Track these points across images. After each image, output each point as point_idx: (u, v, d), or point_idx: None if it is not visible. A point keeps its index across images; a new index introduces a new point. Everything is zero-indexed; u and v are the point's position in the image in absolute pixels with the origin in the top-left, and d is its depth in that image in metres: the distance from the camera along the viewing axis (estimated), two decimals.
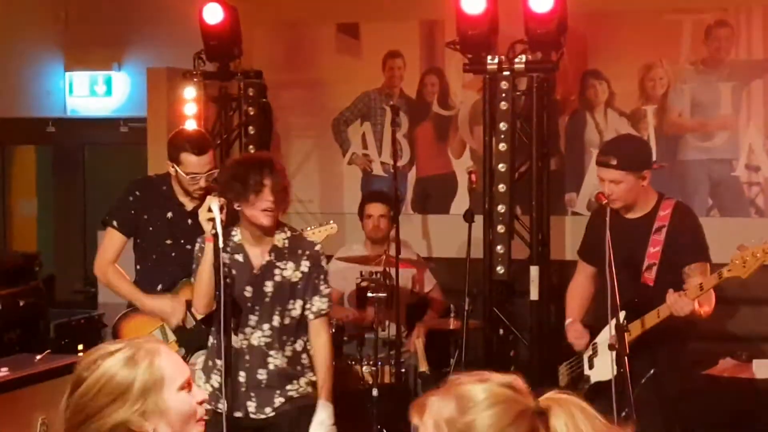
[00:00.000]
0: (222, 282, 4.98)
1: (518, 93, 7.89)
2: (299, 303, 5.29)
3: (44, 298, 8.52)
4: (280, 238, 5.30)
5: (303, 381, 5.36)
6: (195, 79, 8.72)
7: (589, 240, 5.97)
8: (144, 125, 9.25)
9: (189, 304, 5.80)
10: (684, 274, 5.55)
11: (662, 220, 5.60)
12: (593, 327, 5.82)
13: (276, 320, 5.28)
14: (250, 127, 8.78)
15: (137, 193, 5.98)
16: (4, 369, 6.04)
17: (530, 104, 7.87)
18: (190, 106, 8.71)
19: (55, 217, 10.73)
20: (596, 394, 5.43)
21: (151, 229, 5.92)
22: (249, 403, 5.30)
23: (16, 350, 7.47)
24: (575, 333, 5.92)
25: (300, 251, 5.30)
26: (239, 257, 5.29)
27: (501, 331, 7.95)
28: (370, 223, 7.82)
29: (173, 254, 5.91)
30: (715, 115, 8.37)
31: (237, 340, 5.28)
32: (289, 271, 5.28)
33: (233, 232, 5.29)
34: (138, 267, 6.02)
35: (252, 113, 8.77)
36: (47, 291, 8.86)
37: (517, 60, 7.73)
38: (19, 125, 10.43)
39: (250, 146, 8.71)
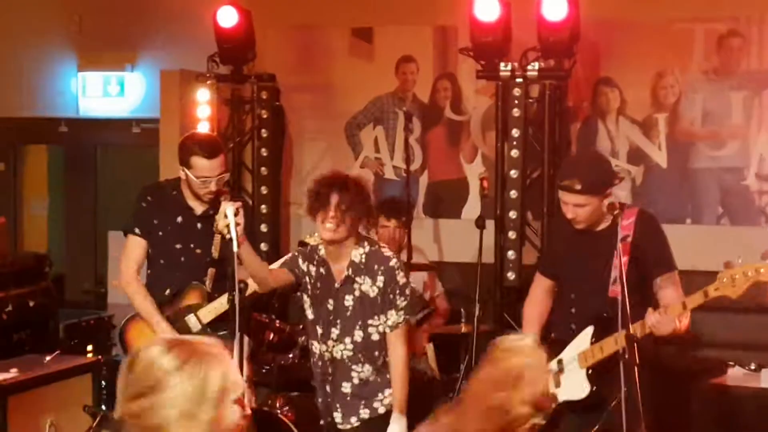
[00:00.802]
0: (237, 287, 4.99)
1: (530, 100, 7.91)
2: (382, 318, 5.34)
3: (54, 299, 8.52)
4: (358, 254, 5.33)
5: (388, 392, 5.39)
6: (208, 82, 8.73)
7: (547, 253, 5.88)
8: (156, 126, 9.27)
9: (194, 308, 5.82)
10: (656, 285, 5.40)
11: (626, 230, 5.35)
12: (555, 342, 5.53)
13: (358, 335, 5.35)
14: (263, 130, 8.81)
15: (149, 198, 5.97)
16: (14, 370, 6.07)
17: (542, 111, 7.89)
18: (203, 108, 8.73)
19: (66, 217, 10.74)
20: (563, 414, 5.17)
21: (160, 233, 5.91)
22: (335, 414, 5.42)
23: (25, 351, 7.49)
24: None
25: (376, 266, 5.33)
26: (323, 270, 5.39)
27: None
28: (387, 234, 7.78)
29: (182, 258, 5.89)
30: (727, 124, 8.37)
31: (319, 350, 5.44)
32: (366, 286, 5.33)
33: (320, 248, 5.41)
34: (148, 271, 6.01)
35: (265, 116, 8.80)
36: (57, 291, 8.87)
37: (529, 67, 7.75)
38: (31, 125, 10.46)
39: (263, 149, 8.74)
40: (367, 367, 5.37)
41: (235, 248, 5.01)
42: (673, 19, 8.42)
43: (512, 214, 7.81)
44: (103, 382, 7.61)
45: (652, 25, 8.46)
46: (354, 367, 5.36)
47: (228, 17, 8.46)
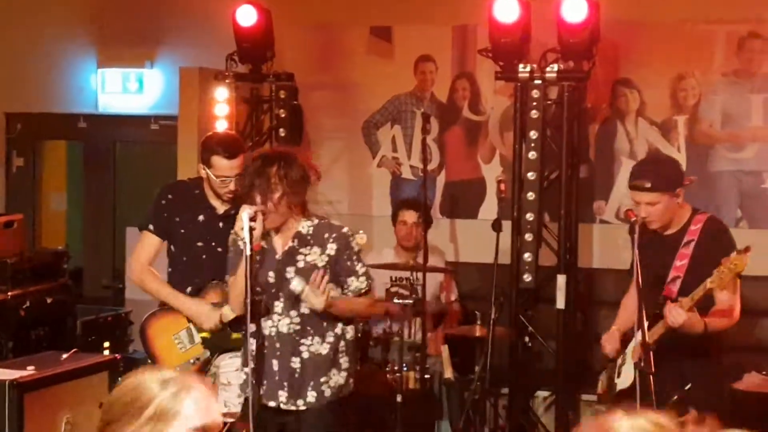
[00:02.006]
0: (251, 290, 5.00)
1: (549, 101, 7.89)
2: (331, 287, 5.27)
3: (72, 296, 8.55)
4: (306, 225, 5.31)
5: (335, 372, 5.35)
6: (227, 81, 8.74)
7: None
8: (175, 123, 9.28)
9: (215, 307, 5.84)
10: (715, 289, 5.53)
11: (692, 235, 5.66)
12: (628, 336, 5.86)
13: (305, 307, 5.28)
14: (281, 130, 8.80)
15: (169, 196, 6.03)
16: (31, 368, 6.09)
17: (561, 113, 7.87)
18: (222, 107, 8.73)
19: (85, 212, 10.77)
20: (620, 403, 5.39)
21: (182, 231, 5.95)
22: (281, 392, 5.29)
23: (43, 347, 7.52)
24: (606, 338, 6.01)
25: (326, 235, 5.31)
26: (263, 243, 5.27)
27: (526, 339, 7.96)
28: (404, 230, 7.82)
29: (204, 257, 5.93)
30: (746, 127, 8.35)
31: (266, 327, 5.31)
32: (314, 255, 5.28)
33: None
34: (169, 269, 6.06)
35: (283, 116, 8.80)
36: (75, 285, 8.90)
37: (548, 69, 7.73)
38: (50, 120, 10.48)
39: None
40: (317, 340, 5.29)
41: (247, 252, 5.02)
42: (694, 21, 8.40)
43: (529, 216, 7.79)
44: (120, 380, 7.65)
45: (672, 26, 8.44)
46: (303, 340, 5.28)
47: (247, 16, 8.46)
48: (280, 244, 5.31)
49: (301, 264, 5.28)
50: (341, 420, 5.42)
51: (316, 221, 5.35)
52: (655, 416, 2.18)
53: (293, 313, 5.29)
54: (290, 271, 5.27)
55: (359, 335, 7.21)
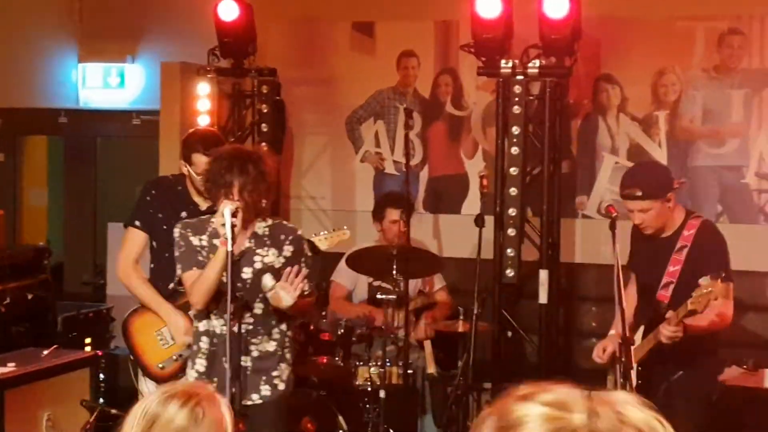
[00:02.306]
0: (231, 287, 4.99)
1: (531, 97, 7.91)
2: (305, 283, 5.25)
3: (52, 292, 8.52)
4: (261, 226, 5.32)
5: (284, 366, 5.39)
6: (209, 75, 8.72)
7: (632, 251, 6.22)
8: (156, 118, 9.24)
9: None
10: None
11: (685, 240, 5.80)
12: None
13: (259, 307, 5.30)
14: (264, 125, 8.78)
15: (153, 192, 6.04)
16: (11, 364, 6.07)
17: (543, 108, 7.89)
18: (204, 102, 8.72)
19: (66, 207, 10.74)
20: None
21: (165, 227, 5.95)
22: (233, 389, 5.26)
23: (24, 344, 7.49)
24: (597, 350, 6.09)
25: (282, 236, 5.32)
26: (216, 242, 5.24)
27: (509, 334, 7.98)
28: (395, 228, 7.77)
29: None
30: (727, 122, 8.38)
31: (218, 326, 5.32)
32: (271, 257, 5.30)
33: (212, 219, 5.24)
34: (152, 266, 6.08)
35: (265, 111, 8.78)
36: (55, 281, 8.87)
37: (530, 65, 7.75)
38: (31, 115, 10.43)
39: (263, 143, 8.71)
40: (265, 338, 5.32)
41: (229, 248, 5.01)
42: (675, 17, 8.42)
43: (512, 212, 7.81)
44: (101, 376, 7.65)
45: (654, 22, 8.47)
46: (253, 340, 5.30)
47: (229, 10, 8.43)
48: (236, 244, 5.22)
49: (258, 265, 5.28)
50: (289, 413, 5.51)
51: (270, 222, 5.36)
52: (550, 395, 1.96)
53: (246, 314, 5.29)
54: (246, 272, 5.27)
55: (342, 332, 7.23)
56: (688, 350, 5.63)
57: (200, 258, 5.31)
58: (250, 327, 5.31)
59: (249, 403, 5.33)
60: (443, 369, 7.58)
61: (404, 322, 7.16)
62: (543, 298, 7.79)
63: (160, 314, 5.90)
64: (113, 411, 6.04)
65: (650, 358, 5.68)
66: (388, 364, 7.02)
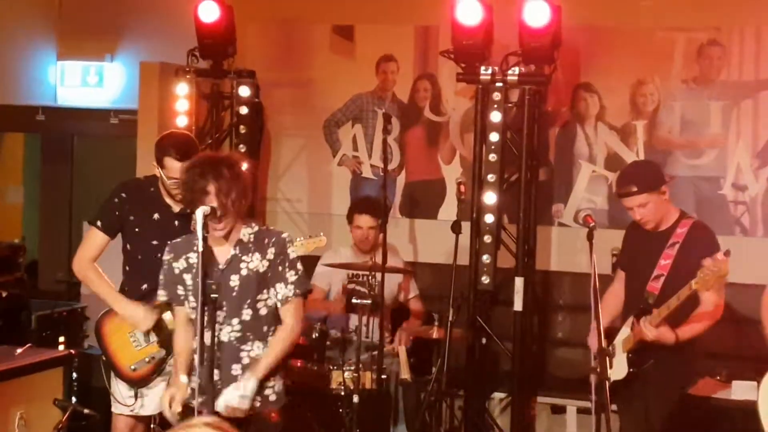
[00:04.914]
0: (204, 289, 4.97)
1: (510, 104, 7.92)
2: (272, 292, 5.25)
3: (27, 290, 8.49)
4: (246, 233, 5.27)
5: (278, 377, 5.32)
6: (188, 76, 8.70)
7: (624, 249, 6.46)
8: (134, 118, 9.22)
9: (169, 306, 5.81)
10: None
11: (678, 237, 6.01)
12: (614, 329, 6.18)
13: (246, 313, 5.23)
14: (242, 127, 8.77)
15: (123, 195, 6.00)
16: None
17: (521, 116, 7.90)
18: (182, 102, 8.70)
19: (42, 205, 10.71)
20: (614, 393, 5.64)
21: (137, 230, 5.93)
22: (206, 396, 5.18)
23: None
24: (591, 335, 6.22)
25: (266, 240, 5.27)
26: (193, 259, 5.23)
27: (484, 340, 7.98)
28: (360, 234, 7.80)
29: (159, 255, 5.85)
30: (705, 133, 8.41)
31: (207, 337, 5.24)
32: (255, 262, 5.24)
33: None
34: (126, 268, 6.05)
35: (244, 113, 8.76)
36: (30, 278, 8.84)
37: (510, 72, 7.76)
38: (8, 112, 10.36)
39: (241, 145, 8.70)
40: (257, 344, 5.25)
41: (199, 248, 4.98)
42: (654, 28, 8.45)
43: (488, 218, 7.81)
44: (75, 376, 7.61)
45: (633, 32, 8.49)
46: (243, 347, 5.23)
47: (209, 12, 8.42)
48: (223, 252, 5.24)
49: (244, 272, 5.23)
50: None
51: (256, 228, 5.32)
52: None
53: (234, 321, 5.22)
54: (234, 279, 5.22)
55: (317, 335, 7.22)
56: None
57: (178, 290, 5.29)
58: (239, 334, 5.24)
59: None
60: (417, 375, 7.57)
61: (379, 327, 7.15)
62: (518, 305, 7.79)
63: (116, 308, 5.89)
64: (86, 410, 6.00)
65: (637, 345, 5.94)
66: (362, 368, 6.99)
